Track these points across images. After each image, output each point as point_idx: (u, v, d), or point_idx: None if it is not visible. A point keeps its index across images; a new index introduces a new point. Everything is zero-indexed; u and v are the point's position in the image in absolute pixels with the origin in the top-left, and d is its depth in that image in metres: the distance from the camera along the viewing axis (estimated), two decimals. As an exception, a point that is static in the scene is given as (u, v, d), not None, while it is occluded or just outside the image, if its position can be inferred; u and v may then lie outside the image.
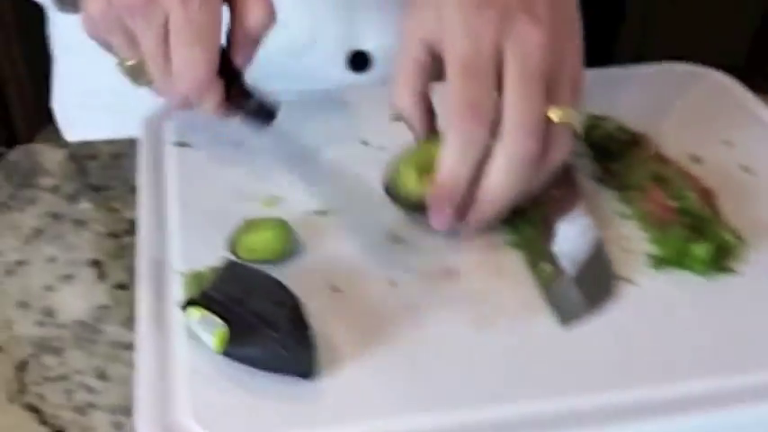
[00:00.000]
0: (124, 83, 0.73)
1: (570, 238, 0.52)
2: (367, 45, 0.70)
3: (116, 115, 0.73)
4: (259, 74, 0.70)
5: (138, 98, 0.70)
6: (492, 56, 0.49)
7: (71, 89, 0.80)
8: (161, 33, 0.51)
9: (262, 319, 0.45)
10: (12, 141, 1.71)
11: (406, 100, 0.53)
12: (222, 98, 0.54)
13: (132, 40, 0.53)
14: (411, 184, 0.53)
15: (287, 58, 0.70)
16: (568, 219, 0.53)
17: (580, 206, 0.54)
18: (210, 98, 0.53)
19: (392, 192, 0.54)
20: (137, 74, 0.55)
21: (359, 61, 0.70)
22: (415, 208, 0.53)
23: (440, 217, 0.50)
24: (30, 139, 1.70)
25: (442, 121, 0.52)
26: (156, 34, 0.51)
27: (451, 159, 0.49)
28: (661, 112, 0.65)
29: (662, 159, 0.58)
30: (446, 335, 0.48)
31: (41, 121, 1.71)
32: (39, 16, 1.70)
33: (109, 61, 0.73)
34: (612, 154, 0.59)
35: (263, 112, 0.56)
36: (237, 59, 0.54)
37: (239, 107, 0.55)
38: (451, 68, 0.50)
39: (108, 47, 0.56)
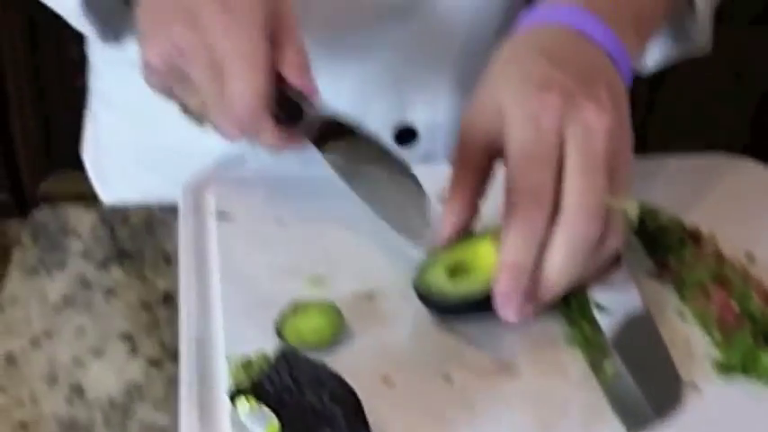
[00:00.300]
0: (167, 143, 0.71)
1: (633, 340, 0.50)
2: (414, 120, 0.69)
3: (156, 176, 0.70)
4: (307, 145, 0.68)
5: (180, 160, 0.68)
6: (554, 142, 0.48)
7: (110, 146, 0.78)
8: (213, 70, 0.49)
9: (317, 414, 0.42)
10: (17, 188, 1.69)
11: (455, 211, 0.51)
12: (277, 126, 0.51)
13: (192, 84, 0.51)
14: (443, 285, 0.51)
15: None
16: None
17: (640, 308, 0.52)
18: (266, 126, 0.51)
19: (424, 295, 0.52)
20: (201, 116, 0.53)
21: (405, 135, 0.69)
22: (449, 310, 0.51)
23: (508, 308, 0.48)
24: (35, 185, 1.67)
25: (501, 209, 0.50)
26: (209, 73, 0.49)
27: (515, 247, 0.47)
28: (708, 206, 0.64)
29: (720, 257, 0.57)
30: (506, 438, 0.45)
31: (48, 167, 1.69)
32: (50, 60, 1.68)
33: (153, 120, 0.72)
34: (668, 248, 0.58)
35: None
36: (289, 76, 0.51)
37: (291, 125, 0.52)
38: (512, 156, 0.49)
39: (169, 94, 0.54)
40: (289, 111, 0.52)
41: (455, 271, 0.51)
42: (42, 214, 0.64)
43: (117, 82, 0.74)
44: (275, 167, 0.63)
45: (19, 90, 1.62)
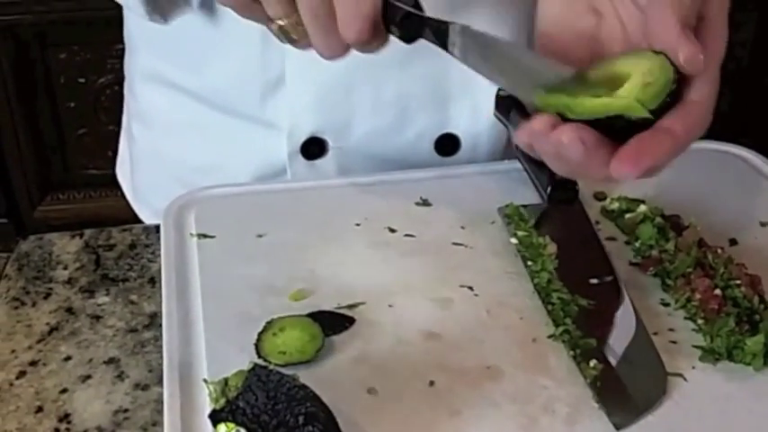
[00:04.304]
0: (203, 159, 0.69)
1: (617, 334, 0.50)
2: (456, 129, 0.68)
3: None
4: (347, 151, 0.68)
5: (216, 175, 0.68)
6: None
7: (146, 164, 0.77)
8: None
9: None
10: (14, 212, 1.69)
11: None
12: (385, 39, 0.49)
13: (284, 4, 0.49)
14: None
15: (376, 139, 0.68)
16: (614, 315, 0.51)
17: (623, 301, 0.52)
18: (377, 42, 0.49)
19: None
20: (288, 33, 0.50)
21: (447, 145, 0.69)
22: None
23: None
24: (32, 207, 1.68)
25: None
26: None
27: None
28: (690, 193, 0.63)
29: (702, 244, 0.56)
30: (491, 441, 0.45)
31: (44, 190, 1.70)
32: (39, 81, 1.68)
33: (190, 136, 0.71)
34: (650, 239, 0.57)
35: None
36: None
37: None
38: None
39: (251, 10, 0.50)
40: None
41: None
42: (26, 244, 0.65)
43: (153, 100, 0.73)
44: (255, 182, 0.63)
45: (10, 113, 1.62)
